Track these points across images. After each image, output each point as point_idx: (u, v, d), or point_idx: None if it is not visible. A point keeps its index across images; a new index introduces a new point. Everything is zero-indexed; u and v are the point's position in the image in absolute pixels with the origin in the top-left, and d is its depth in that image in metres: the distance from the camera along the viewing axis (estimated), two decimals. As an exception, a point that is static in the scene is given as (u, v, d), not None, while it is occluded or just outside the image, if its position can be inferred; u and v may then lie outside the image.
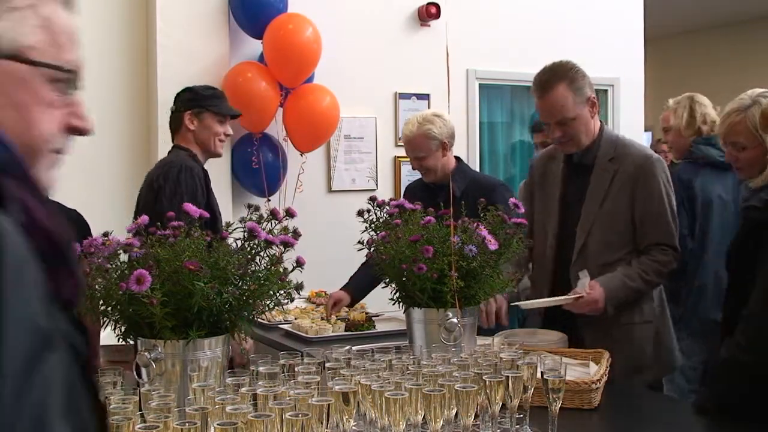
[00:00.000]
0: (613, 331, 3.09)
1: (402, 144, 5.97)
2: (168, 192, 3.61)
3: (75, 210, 3.92)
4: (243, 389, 1.84)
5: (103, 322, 2.13)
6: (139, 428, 1.58)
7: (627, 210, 3.17)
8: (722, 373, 2.37)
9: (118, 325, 2.14)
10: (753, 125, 2.69)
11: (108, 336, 3.89)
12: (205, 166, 4.05)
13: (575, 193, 3.29)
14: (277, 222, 2.22)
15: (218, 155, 3.98)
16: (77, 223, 3.86)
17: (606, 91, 6.94)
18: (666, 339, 3.26)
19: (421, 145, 4.10)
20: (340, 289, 3.98)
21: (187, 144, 3.90)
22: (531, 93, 3.32)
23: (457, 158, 4.25)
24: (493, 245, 2.57)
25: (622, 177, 3.17)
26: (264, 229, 2.16)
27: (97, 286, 2.07)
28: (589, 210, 3.21)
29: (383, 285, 2.80)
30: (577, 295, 2.98)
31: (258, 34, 5.33)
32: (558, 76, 3.19)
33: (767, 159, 2.67)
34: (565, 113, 3.16)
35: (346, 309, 4.01)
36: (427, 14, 6.06)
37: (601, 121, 3.31)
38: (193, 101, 3.89)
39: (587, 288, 2.98)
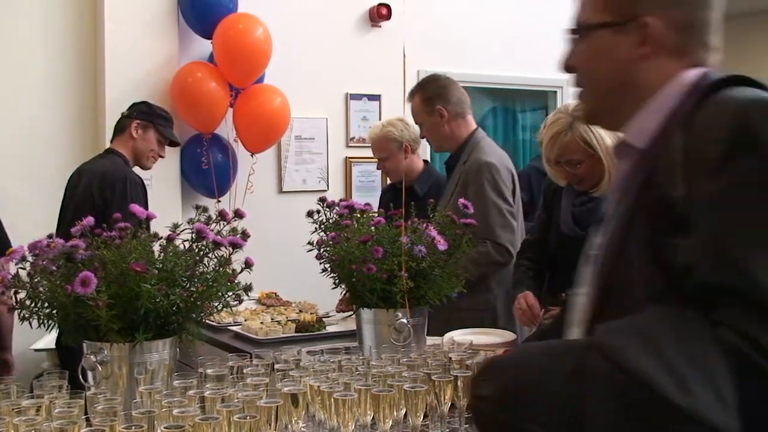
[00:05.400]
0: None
1: (353, 145, 6.05)
2: (117, 206, 3.76)
3: None
4: (190, 392, 1.83)
5: (48, 325, 2.10)
6: (85, 432, 1.56)
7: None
8: None
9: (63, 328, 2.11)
10: (582, 140, 2.81)
11: (54, 339, 3.85)
12: (154, 166, 4.23)
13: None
14: (226, 223, 2.21)
15: (147, 168, 4.33)
16: None
17: (555, 92, 7.02)
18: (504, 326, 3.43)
19: (382, 146, 4.37)
20: None
21: (124, 149, 4.20)
22: None
23: (426, 161, 4.44)
24: (442, 245, 2.59)
25: (464, 177, 3.64)
26: (213, 230, 2.14)
27: (41, 288, 2.04)
28: (444, 203, 3.53)
29: (333, 286, 2.80)
30: None
31: (208, 34, 5.29)
32: (417, 88, 3.91)
33: (603, 167, 2.79)
34: (414, 118, 3.93)
35: (297, 312, 3.99)
36: (378, 15, 6.07)
37: (475, 130, 3.83)
38: (145, 114, 4.23)
39: None
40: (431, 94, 3.78)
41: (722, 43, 1.44)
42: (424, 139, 4.05)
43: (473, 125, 3.87)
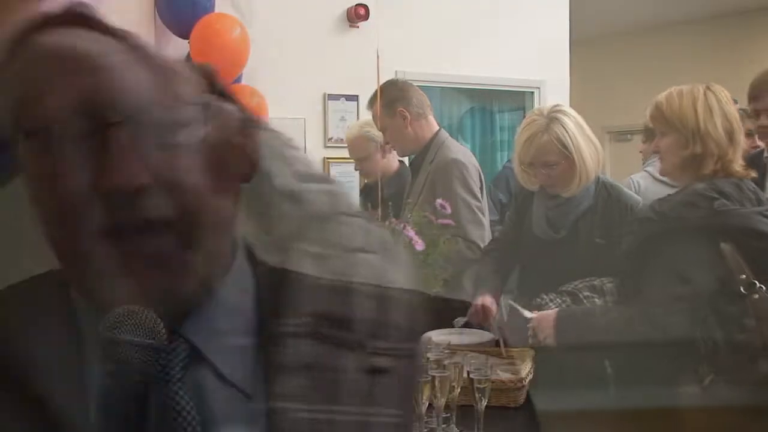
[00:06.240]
0: None
1: (331, 145, 6.04)
2: None
3: None
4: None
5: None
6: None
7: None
8: None
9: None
10: (558, 141, 2.83)
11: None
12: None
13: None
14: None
15: None
16: None
17: (533, 93, 7.05)
18: None
19: (359, 147, 4.36)
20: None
21: None
22: None
23: (401, 161, 4.41)
24: (419, 246, 2.59)
25: (432, 175, 3.58)
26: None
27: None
28: (413, 204, 3.45)
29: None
30: None
31: (184, 34, 5.26)
32: (376, 93, 3.87)
33: (576, 168, 2.82)
34: (376, 123, 3.91)
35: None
36: (356, 15, 6.06)
37: (438, 131, 3.79)
38: None
39: None
40: (391, 97, 3.78)
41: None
42: (389, 146, 4.06)
43: (435, 126, 3.86)
